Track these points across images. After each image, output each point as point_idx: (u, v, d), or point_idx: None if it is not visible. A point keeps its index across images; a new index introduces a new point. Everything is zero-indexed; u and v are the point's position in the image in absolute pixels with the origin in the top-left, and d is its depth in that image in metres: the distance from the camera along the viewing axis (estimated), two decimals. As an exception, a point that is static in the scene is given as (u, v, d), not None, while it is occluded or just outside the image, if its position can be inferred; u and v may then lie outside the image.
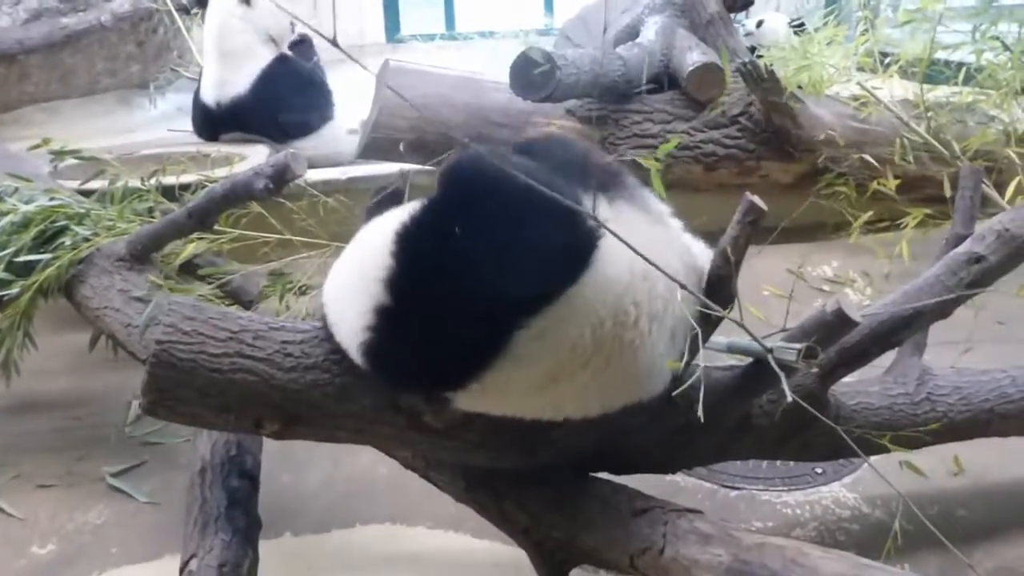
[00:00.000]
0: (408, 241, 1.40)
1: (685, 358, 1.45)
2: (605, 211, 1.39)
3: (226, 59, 4.09)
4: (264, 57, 4.11)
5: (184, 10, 5.07)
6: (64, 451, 2.47)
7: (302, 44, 4.26)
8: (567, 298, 1.35)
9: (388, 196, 1.60)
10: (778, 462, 2.28)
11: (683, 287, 1.34)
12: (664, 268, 1.33)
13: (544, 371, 1.40)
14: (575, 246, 1.36)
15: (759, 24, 4.85)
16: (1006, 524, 2.09)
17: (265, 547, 1.77)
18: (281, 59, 4.16)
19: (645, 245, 1.33)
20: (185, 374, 1.45)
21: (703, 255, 1.55)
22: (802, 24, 4.81)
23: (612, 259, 1.37)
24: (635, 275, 1.40)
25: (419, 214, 1.42)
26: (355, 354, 1.46)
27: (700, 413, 1.17)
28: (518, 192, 1.26)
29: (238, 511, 1.71)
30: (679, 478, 2.21)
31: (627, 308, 1.39)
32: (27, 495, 2.30)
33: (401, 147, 1.88)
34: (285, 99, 4.00)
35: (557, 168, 1.42)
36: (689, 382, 1.32)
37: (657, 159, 1.23)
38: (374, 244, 1.45)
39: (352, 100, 4.07)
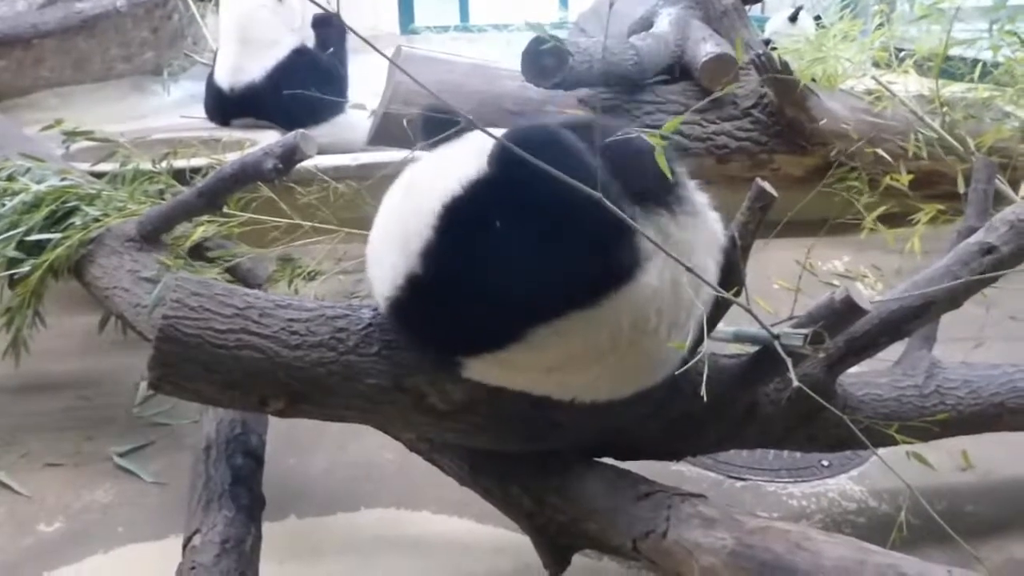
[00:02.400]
0: (451, 224, 1.37)
1: (691, 341, 1.44)
2: (641, 218, 1.36)
3: (246, 46, 4.12)
4: (284, 47, 4.13)
5: (199, -3, 5.09)
6: (72, 431, 2.49)
7: (328, 25, 4.25)
8: (596, 306, 1.35)
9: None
10: (784, 453, 2.27)
11: (703, 281, 1.33)
12: (700, 273, 1.33)
13: (556, 359, 1.41)
14: (621, 264, 1.34)
15: (794, 17, 4.77)
16: (1015, 520, 2.07)
17: (269, 529, 1.77)
18: (299, 50, 4.18)
19: (680, 250, 1.34)
20: (191, 349, 1.45)
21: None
22: (819, 18, 4.78)
23: (646, 271, 1.37)
24: (663, 283, 1.38)
25: (468, 194, 1.37)
26: (381, 304, 1.48)
27: (703, 393, 1.16)
28: (577, 194, 1.20)
29: (242, 488, 1.71)
30: (684, 468, 2.21)
31: (649, 316, 1.38)
32: (35, 474, 2.31)
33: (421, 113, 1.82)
34: (298, 87, 4.00)
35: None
36: (693, 361, 1.32)
37: (663, 137, 1.21)
38: (423, 199, 1.41)
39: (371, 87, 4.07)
